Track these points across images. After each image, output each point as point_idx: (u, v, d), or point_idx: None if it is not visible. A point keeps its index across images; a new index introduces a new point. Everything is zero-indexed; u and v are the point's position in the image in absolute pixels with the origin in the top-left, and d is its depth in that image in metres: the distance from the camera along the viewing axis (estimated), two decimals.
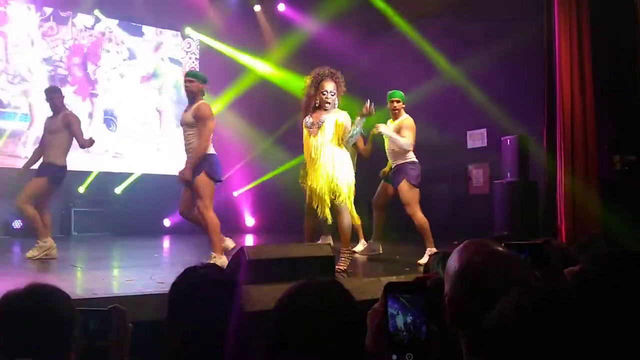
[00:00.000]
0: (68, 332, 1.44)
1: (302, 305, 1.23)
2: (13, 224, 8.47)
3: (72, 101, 9.21)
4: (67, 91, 8.99)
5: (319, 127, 4.79)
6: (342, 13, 9.09)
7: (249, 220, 10.55)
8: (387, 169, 5.77)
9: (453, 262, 1.27)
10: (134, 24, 10.16)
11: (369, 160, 6.11)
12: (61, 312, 1.46)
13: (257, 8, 10.69)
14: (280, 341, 1.22)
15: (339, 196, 4.62)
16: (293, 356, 1.19)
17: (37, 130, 8.00)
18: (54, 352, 1.35)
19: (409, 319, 1.25)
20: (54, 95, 5.72)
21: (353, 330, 1.25)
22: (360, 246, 6.22)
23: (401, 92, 5.66)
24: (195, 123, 4.81)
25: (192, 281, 1.60)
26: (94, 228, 9.04)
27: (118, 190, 9.54)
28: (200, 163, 4.74)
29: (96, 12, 9.69)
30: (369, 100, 4.64)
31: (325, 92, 4.76)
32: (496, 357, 0.84)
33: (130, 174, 9.73)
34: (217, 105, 9.26)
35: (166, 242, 8.31)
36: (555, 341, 0.79)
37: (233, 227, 9.22)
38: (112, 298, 3.00)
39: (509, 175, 6.69)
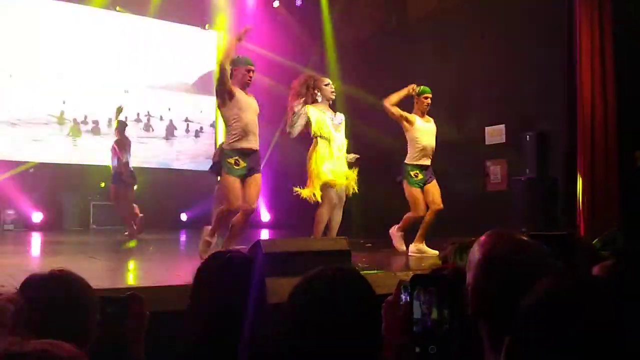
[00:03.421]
0: (87, 317, 1.45)
1: (319, 291, 1.22)
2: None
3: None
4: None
5: (339, 124, 5.02)
6: (359, 6, 9.07)
7: (265, 215, 10.56)
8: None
9: (476, 251, 1.25)
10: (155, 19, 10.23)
11: None
12: (81, 298, 1.47)
13: (276, 4, 10.70)
14: (296, 327, 1.21)
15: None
16: (310, 342, 1.18)
17: None
18: (72, 336, 1.35)
19: (433, 311, 1.24)
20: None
21: (370, 317, 1.23)
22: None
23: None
24: None
25: (218, 265, 1.61)
26: (112, 221, 9.13)
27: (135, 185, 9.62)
28: None
29: (118, 8, 9.78)
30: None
31: (329, 84, 5.05)
32: (527, 344, 0.81)
33: (147, 169, 9.81)
34: None
35: (183, 236, 8.37)
36: (591, 325, 0.77)
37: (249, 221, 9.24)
38: (130, 289, 3.01)
39: (528, 172, 6.61)
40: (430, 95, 5.54)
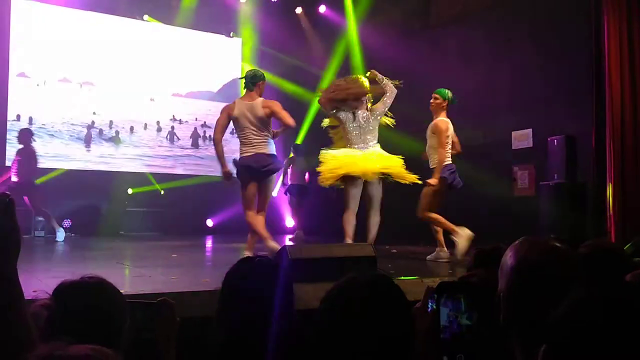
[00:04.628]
0: (119, 323, 1.47)
1: (352, 298, 1.22)
2: None
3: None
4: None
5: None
6: (383, 11, 9.07)
7: (289, 221, 10.58)
8: None
9: (508, 258, 1.23)
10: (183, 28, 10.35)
11: None
12: (112, 304, 1.49)
13: (298, 10, 10.76)
14: (329, 333, 1.21)
15: None
16: (342, 349, 1.18)
17: None
18: (104, 342, 1.38)
19: (460, 318, 1.22)
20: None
21: (404, 324, 1.22)
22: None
23: (443, 90, 5.38)
24: None
25: (246, 271, 1.63)
26: (140, 228, 9.27)
27: (162, 191, 9.75)
28: None
29: (146, 17, 9.95)
30: None
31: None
32: (562, 355, 0.80)
33: (173, 175, 9.96)
34: None
35: (209, 242, 8.44)
36: (625, 336, 0.76)
37: (273, 228, 9.28)
38: (159, 294, 3.05)
39: (556, 177, 6.50)
40: (434, 96, 5.37)
